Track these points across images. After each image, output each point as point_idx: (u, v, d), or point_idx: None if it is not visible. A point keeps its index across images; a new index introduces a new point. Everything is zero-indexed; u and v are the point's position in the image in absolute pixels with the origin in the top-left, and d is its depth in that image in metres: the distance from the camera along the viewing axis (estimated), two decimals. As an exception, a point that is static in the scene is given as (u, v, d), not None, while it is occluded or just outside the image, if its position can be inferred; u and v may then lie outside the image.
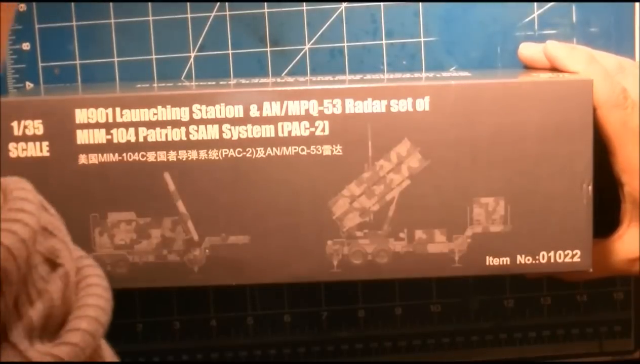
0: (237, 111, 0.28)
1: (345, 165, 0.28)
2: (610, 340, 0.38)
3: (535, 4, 0.36)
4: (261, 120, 0.28)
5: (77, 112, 0.28)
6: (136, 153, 0.28)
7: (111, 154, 0.28)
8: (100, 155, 0.28)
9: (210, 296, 0.37)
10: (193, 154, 0.28)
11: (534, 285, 0.37)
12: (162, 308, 0.37)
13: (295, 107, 0.28)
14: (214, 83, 0.33)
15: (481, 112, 0.28)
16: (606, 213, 0.31)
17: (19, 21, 0.36)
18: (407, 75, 0.34)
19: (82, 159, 0.28)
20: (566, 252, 0.29)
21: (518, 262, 0.29)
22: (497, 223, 0.29)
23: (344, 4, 0.36)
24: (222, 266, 0.29)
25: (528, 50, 0.33)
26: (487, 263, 0.29)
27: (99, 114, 0.28)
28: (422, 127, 0.28)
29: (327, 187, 0.28)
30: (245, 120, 0.28)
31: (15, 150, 0.28)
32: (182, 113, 0.28)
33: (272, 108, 0.28)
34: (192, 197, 0.28)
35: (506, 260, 0.29)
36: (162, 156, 0.28)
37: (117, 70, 0.36)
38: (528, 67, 0.35)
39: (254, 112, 0.28)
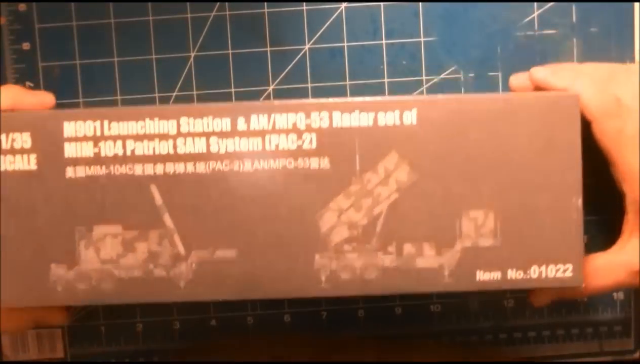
0: (224, 124, 0.28)
1: (332, 178, 0.28)
2: (610, 340, 0.38)
3: (535, 4, 0.36)
4: (248, 133, 0.28)
5: (65, 124, 0.28)
6: (123, 166, 0.28)
7: (98, 167, 0.28)
8: (87, 167, 0.28)
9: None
10: (180, 167, 0.28)
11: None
12: (162, 308, 0.37)
13: (282, 120, 0.28)
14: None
15: (469, 125, 0.28)
16: (612, 230, 0.31)
17: (18, 21, 0.36)
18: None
19: (70, 172, 0.29)
20: (557, 267, 0.28)
21: (509, 277, 0.28)
22: (487, 236, 0.28)
23: (344, 4, 0.36)
24: (208, 281, 0.29)
25: (517, 80, 0.33)
26: (478, 278, 0.28)
27: (87, 127, 0.28)
28: (410, 140, 0.28)
29: (314, 201, 0.28)
30: (233, 133, 0.28)
31: (4, 163, 0.28)
32: (169, 126, 0.28)
33: (259, 121, 0.28)
34: (179, 210, 0.28)
35: (497, 275, 0.28)
36: (149, 169, 0.28)
37: (117, 70, 0.36)
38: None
39: (241, 125, 0.28)
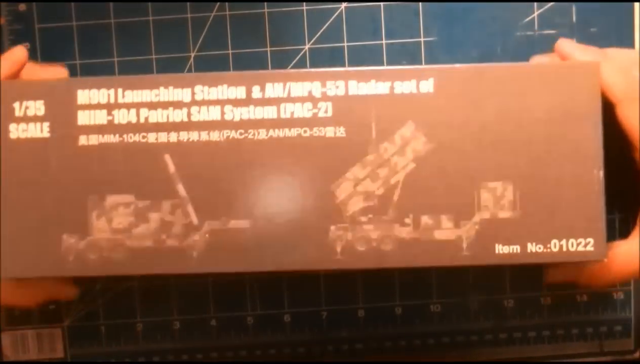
0: (239, 92, 0.28)
1: (348, 148, 0.28)
2: (610, 340, 0.38)
3: (535, 4, 0.36)
4: (263, 101, 0.28)
5: (79, 93, 0.28)
6: (137, 134, 0.28)
7: (112, 135, 0.28)
8: (100, 136, 0.28)
9: (210, 296, 0.37)
10: (194, 136, 0.28)
11: (534, 284, 0.37)
12: (162, 308, 0.37)
13: (298, 88, 0.28)
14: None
15: (487, 94, 0.28)
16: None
17: (18, 21, 0.36)
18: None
19: (83, 140, 0.28)
20: (578, 240, 0.28)
21: (529, 250, 0.28)
22: (506, 209, 0.28)
23: (344, 4, 0.36)
24: (222, 252, 0.28)
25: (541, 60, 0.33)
26: (497, 251, 0.28)
27: (101, 95, 0.28)
28: (427, 109, 0.28)
29: (330, 170, 0.28)
30: (248, 101, 0.28)
31: (16, 131, 0.28)
32: (183, 94, 0.28)
33: (274, 90, 0.28)
34: (192, 180, 0.28)
35: (516, 248, 0.28)
36: (162, 137, 0.28)
37: (117, 70, 0.36)
38: None
39: (256, 93, 0.28)
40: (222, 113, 0.28)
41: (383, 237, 0.28)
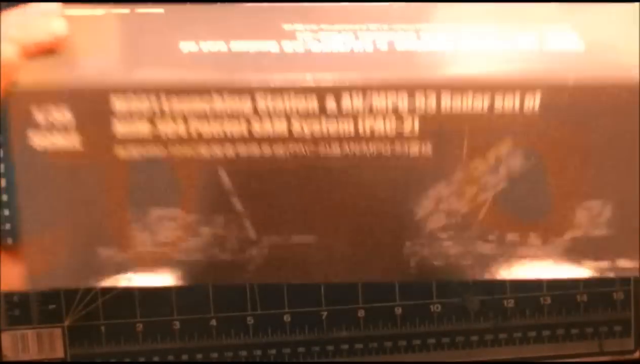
0: (310, 104, 0.24)
1: (434, 166, 0.24)
2: (610, 340, 0.38)
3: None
4: (339, 115, 0.24)
5: (113, 99, 0.24)
6: (186, 147, 0.24)
7: (156, 147, 0.24)
8: (142, 147, 0.24)
9: (210, 296, 0.37)
10: (255, 149, 0.24)
11: (534, 284, 0.37)
12: (162, 308, 0.37)
13: (381, 101, 0.24)
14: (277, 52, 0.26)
15: (598, 114, 0.25)
16: None
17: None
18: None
19: (121, 152, 0.24)
20: None
21: (619, 265, 0.26)
22: (601, 227, 0.25)
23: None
24: (283, 265, 0.25)
25: None
26: (584, 267, 0.26)
27: (141, 102, 0.24)
28: (528, 126, 0.24)
29: (411, 188, 0.25)
30: (320, 113, 0.24)
31: (40, 140, 0.24)
32: (243, 104, 0.24)
33: (352, 101, 0.24)
34: (250, 195, 0.25)
35: (605, 264, 0.26)
36: (217, 151, 0.24)
37: None
38: None
39: (330, 104, 0.24)
40: (289, 126, 0.24)
41: (462, 253, 0.26)
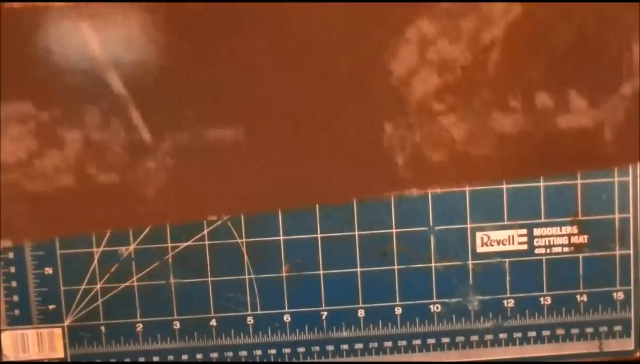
0: None
1: None
2: (610, 340, 0.38)
3: (535, 4, 0.36)
4: None
5: None
6: None
7: None
8: None
9: (210, 296, 0.37)
10: None
11: (534, 285, 0.37)
12: (162, 308, 0.37)
13: None
14: None
15: None
16: None
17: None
18: None
19: None
20: None
21: None
22: None
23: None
24: (196, 183, 0.17)
25: None
26: None
27: None
28: None
29: (376, 31, 0.16)
30: None
31: None
32: None
33: None
34: (138, 73, 0.15)
35: None
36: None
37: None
38: None
39: None
40: None
41: (473, 134, 0.17)
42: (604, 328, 0.38)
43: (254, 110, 0.15)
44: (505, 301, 0.37)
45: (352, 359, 0.38)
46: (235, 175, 0.15)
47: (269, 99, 0.15)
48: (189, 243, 0.36)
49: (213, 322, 0.37)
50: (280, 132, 0.15)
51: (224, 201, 0.15)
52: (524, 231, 0.36)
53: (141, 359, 0.38)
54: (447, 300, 0.37)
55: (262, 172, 0.15)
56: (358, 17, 0.15)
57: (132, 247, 0.36)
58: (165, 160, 0.16)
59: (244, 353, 0.38)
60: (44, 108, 0.15)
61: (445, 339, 0.38)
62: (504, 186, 0.34)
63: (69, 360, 0.38)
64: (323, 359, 0.38)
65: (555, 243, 0.37)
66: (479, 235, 0.36)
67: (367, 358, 0.38)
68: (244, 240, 0.36)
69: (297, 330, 0.38)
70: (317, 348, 0.38)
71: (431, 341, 0.38)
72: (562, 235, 0.37)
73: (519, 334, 0.38)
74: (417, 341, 0.38)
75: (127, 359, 0.38)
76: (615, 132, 0.17)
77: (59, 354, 0.38)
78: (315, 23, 0.15)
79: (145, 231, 0.35)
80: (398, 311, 0.37)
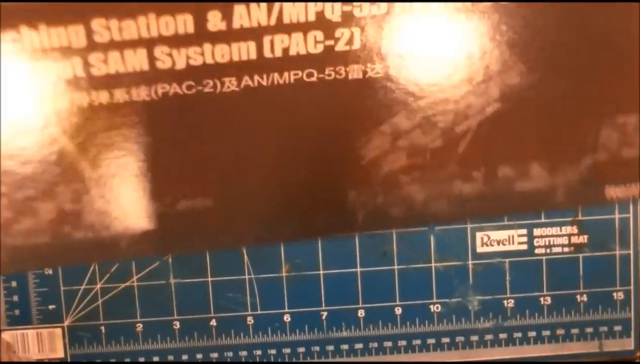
0: (182, 24, 0.17)
1: (387, 91, 0.18)
2: (610, 340, 0.38)
3: (535, 4, 0.36)
4: (231, 35, 0.16)
5: None
6: None
7: None
8: None
9: (210, 296, 0.37)
10: (99, 96, 0.17)
11: (534, 285, 0.37)
12: (162, 308, 0.37)
13: (296, 11, 0.16)
14: None
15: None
16: None
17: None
18: None
19: None
20: None
21: None
22: (634, 146, 0.20)
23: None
24: (170, 237, 0.18)
25: None
26: (607, 194, 0.21)
27: None
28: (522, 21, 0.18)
29: (352, 124, 0.18)
30: (199, 36, 0.16)
31: None
32: (75, 36, 0.17)
33: (250, 15, 0.16)
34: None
35: (635, 188, 0.21)
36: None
37: None
38: None
39: (215, 22, 0.16)
40: (151, 58, 0.16)
41: (433, 197, 0.20)
42: (604, 328, 0.38)
43: (223, 184, 0.17)
44: (505, 301, 0.38)
45: (352, 359, 0.38)
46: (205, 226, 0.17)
47: (233, 180, 0.17)
48: (189, 243, 0.36)
49: (213, 322, 0.37)
50: (252, 200, 0.18)
51: (195, 241, 0.18)
52: (524, 231, 0.36)
53: (141, 359, 0.38)
54: (447, 300, 0.37)
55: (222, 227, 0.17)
56: (334, 118, 0.17)
57: (132, 247, 0.36)
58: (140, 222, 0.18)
59: (244, 353, 0.38)
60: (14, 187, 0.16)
61: (445, 340, 0.38)
62: (504, 186, 0.34)
63: (69, 360, 0.38)
64: (323, 359, 0.38)
65: (555, 243, 0.37)
66: (479, 235, 0.36)
67: (367, 358, 0.38)
68: (244, 240, 0.36)
69: (297, 330, 0.38)
70: (317, 348, 0.38)
71: (431, 341, 0.38)
72: (562, 235, 0.37)
73: (519, 335, 0.38)
74: (417, 341, 0.38)
75: (127, 359, 0.38)
76: (566, 191, 0.20)
77: (59, 354, 0.38)
78: (290, 120, 0.17)
79: (145, 231, 0.35)
80: (398, 311, 0.37)
